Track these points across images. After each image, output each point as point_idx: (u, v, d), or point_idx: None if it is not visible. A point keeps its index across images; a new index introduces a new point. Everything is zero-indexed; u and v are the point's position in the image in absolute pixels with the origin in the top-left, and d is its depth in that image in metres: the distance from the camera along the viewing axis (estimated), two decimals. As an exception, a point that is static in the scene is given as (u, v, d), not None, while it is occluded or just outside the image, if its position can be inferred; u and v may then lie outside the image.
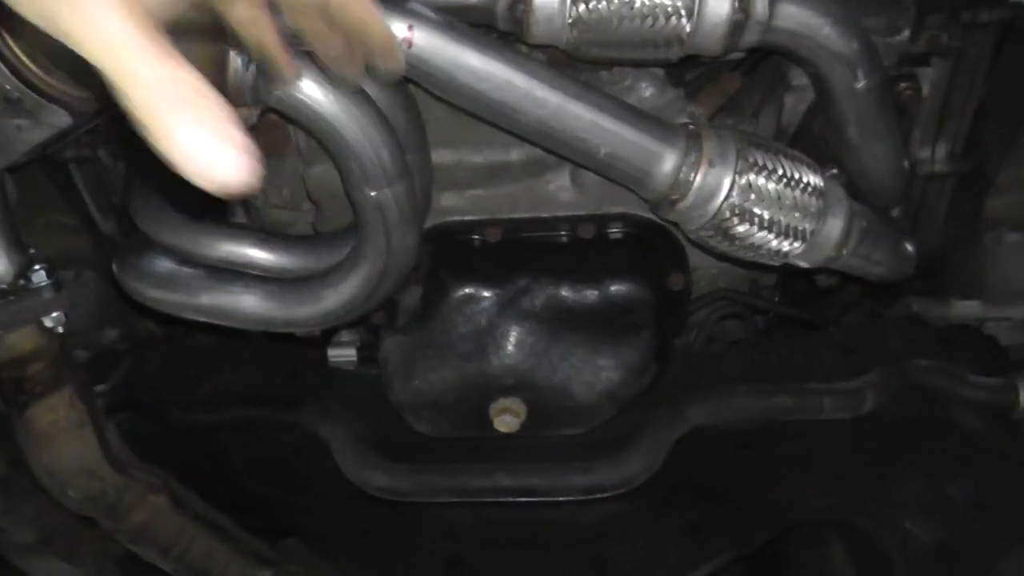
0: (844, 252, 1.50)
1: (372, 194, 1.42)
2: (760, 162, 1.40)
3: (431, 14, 1.30)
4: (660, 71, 1.63)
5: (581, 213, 1.69)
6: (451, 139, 1.63)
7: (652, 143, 1.38)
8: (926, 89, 1.75)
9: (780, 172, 1.41)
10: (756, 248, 1.45)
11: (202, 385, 1.94)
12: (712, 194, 1.39)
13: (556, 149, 1.40)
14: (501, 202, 1.70)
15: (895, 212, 1.87)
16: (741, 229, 1.41)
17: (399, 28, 1.28)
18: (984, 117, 1.84)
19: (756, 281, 1.93)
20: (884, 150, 1.56)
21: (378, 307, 1.64)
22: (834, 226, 1.47)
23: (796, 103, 1.74)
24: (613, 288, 1.66)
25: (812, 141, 1.72)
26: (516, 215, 1.70)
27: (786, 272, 1.77)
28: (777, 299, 2.00)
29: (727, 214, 1.40)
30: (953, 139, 1.82)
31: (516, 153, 1.65)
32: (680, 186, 1.39)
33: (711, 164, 1.38)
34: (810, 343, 1.94)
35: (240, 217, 1.93)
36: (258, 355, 1.96)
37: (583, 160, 1.41)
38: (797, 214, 1.42)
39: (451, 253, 1.69)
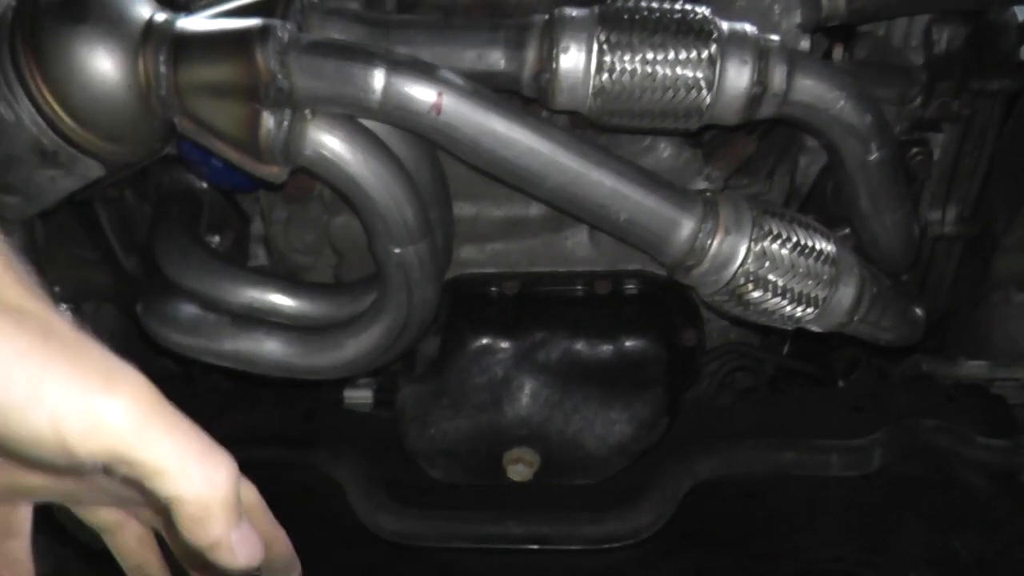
0: (855, 319, 1.54)
1: (396, 251, 1.45)
2: (775, 230, 1.44)
3: (460, 81, 1.34)
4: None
5: (597, 269, 1.72)
6: (472, 193, 1.66)
7: (670, 210, 1.42)
8: (937, 154, 1.79)
9: (794, 240, 1.44)
10: (769, 313, 1.48)
11: (217, 425, 1.94)
12: (727, 261, 1.43)
13: (577, 214, 1.44)
14: (519, 256, 1.73)
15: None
16: (755, 295, 1.45)
17: (429, 94, 1.32)
18: (992, 180, 1.88)
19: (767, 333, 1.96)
20: (895, 220, 1.60)
21: (398, 357, 1.67)
22: (846, 294, 1.50)
23: (809, 163, 1.78)
24: (627, 344, 1.69)
25: (825, 201, 1.76)
26: (534, 269, 1.73)
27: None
28: (787, 351, 2.03)
29: (742, 280, 1.44)
30: (962, 202, 1.87)
31: (535, 208, 1.69)
32: (696, 253, 1.43)
33: (727, 232, 1.42)
34: (818, 399, 1.97)
35: (262, 259, 1.97)
36: (274, 396, 1.99)
37: (602, 225, 1.44)
38: (810, 282, 1.46)
39: (469, 305, 1.72)
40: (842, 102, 1.43)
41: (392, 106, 1.32)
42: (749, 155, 1.67)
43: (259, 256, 1.97)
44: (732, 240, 1.42)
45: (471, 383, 1.70)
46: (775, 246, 1.43)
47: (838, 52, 1.66)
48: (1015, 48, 1.76)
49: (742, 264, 1.42)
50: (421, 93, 1.32)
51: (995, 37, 1.76)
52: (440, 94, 1.32)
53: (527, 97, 1.44)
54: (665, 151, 1.66)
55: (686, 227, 1.42)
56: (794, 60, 1.39)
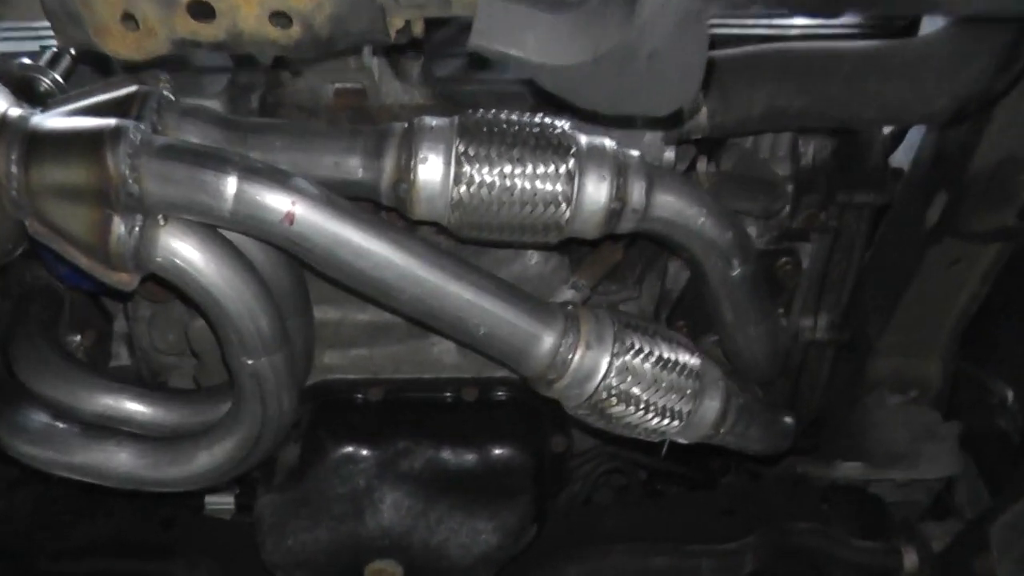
0: (721, 431, 1.53)
1: (249, 363, 1.41)
2: (637, 344, 1.42)
3: (314, 190, 1.30)
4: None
5: (465, 376, 1.69)
6: (336, 297, 1.62)
7: (530, 324, 1.39)
8: (805, 263, 1.80)
9: (657, 354, 1.43)
10: (633, 427, 1.46)
11: (74, 532, 1.88)
12: (589, 375, 1.40)
13: (435, 326, 1.41)
14: (384, 362, 1.70)
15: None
16: (618, 409, 1.43)
17: (282, 203, 1.28)
18: (864, 287, 1.90)
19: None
20: (759, 333, 1.60)
21: (254, 468, 1.61)
22: (710, 407, 1.49)
23: (679, 269, 1.78)
24: (494, 452, 1.66)
25: (694, 306, 1.76)
26: (399, 375, 1.70)
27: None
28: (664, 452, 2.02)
29: (604, 395, 1.41)
30: (833, 309, 1.88)
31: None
32: (558, 367, 1.41)
33: (588, 346, 1.40)
34: (691, 502, 1.96)
35: (124, 359, 1.91)
36: (134, 500, 1.91)
37: (462, 337, 1.42)
38: (674, 395, 1.44)
39: (331, 412, 1.67)
40: (702, 219, 1.43)
41: (244, 215, 1.28)
42: (616, 263, 1.66)
43: (121, 355, 1.91)
44: (593, 354, 1.40)
45: (332, 493, 1.64)
46: (637, 360, 1.42)
47: (702, 164, 1.66)
48: (880, 162, 1.79)
49: (604, 378, 1.40)
50: (274, 202, 1.28)
51: (861, 151, 1.79)
52: (293, 203, 1.28)
53: (386, 207, 1.41)
54: (532, 259, 1.65)
55: (547, 341, 1.40)
56: (653, 176, 1.39)
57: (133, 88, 1.37)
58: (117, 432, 1.58)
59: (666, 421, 1.46)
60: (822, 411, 2.00)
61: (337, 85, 1.53)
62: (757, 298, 1.56)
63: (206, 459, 1.54)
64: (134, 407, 1.60)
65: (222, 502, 1.87)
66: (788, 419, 1.73)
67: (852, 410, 2.02)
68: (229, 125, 1.38)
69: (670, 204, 1.41)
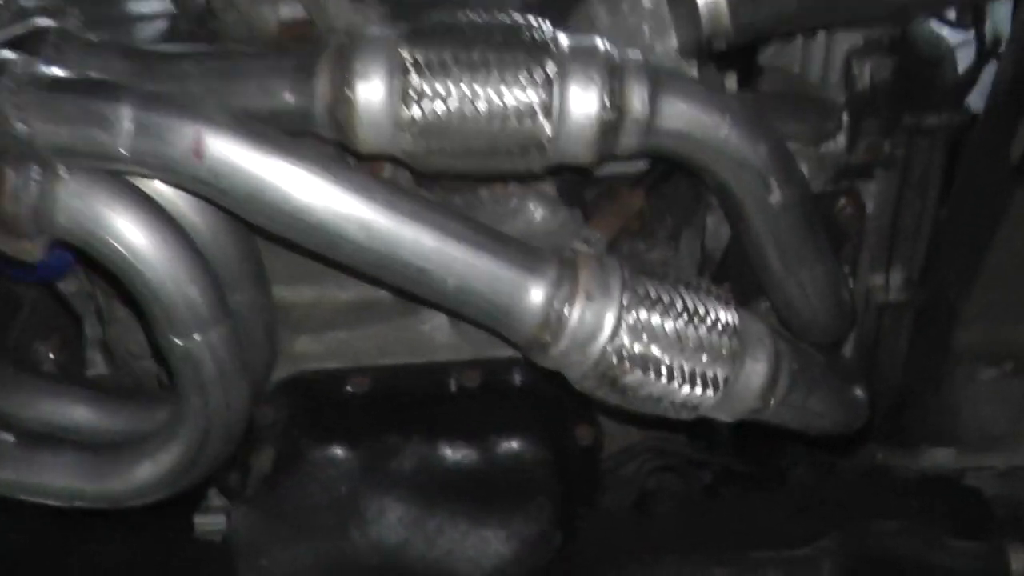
0: (772, 402, 1.23)
1: (178, 342, 1.17)
2: (653, 294, 1.14)
3: (226, 116, 1.06)
4: (551, 189, 1.39)
5: (463, 358, 1.44)
6: (311, 273, 1.38)
7: (513, 272, 1.12)
8: (871, 207, 1.51)
9: (680, 306, 1.15)
10: (656, 401, 1.18)
11: (49, 566, 1.67)
12: (593, 334, 1.12)
13: (395, 283, 1.15)
14: (367, 346, 1.45)
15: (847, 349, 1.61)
16: (634, 378, 1.14)
17: (186, 134, 1.03)
18: (943, 238, 1.60)
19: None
20: (813, 277, 1.30)
21: (220, 472, 1.37)
22: (755, 371, 1.20)
23: (718, 224, 1.50)
24: (503, 447, 1.40)
25: (740, 269, 1.47)
26: (387, 362, 1.46)
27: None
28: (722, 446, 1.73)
29: (614, 359, 1.13)
30: (908, 264, 1.59)
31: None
32: (552, 326, 1.13)
33: (589, 297, 1.12)
34: (756, 502, 1.67)
35: (100, 367, 1.69)
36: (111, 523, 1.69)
37: (430, 295, 1.15)
38: (704, 357, 1.16)
39: (308, 408, 1.44)
40: (726, 129, 1.15)
41: (144, 151, 1.04)
42: (636, 212, 1.39)
43: (97, 362, 1.69)
44: (597, 307, 1.12)
45: (312, 502, 1.39)
46: (655, 315, 1.13)
47: (731, 82, 1.37)
48: (951, 79, 1.49)
49: (613, 337, 1.12)
50: (177, 132, 1.03)
51: (927, 69, 1.50)
52: (200, 132, 1.03)
53: (332, 141, 1.15)
54: (537, 211, 1.39)
55: (535, 293, 1.12)
56: (659, 78, 1.12)
57: (33, 23, 1.17)
58: (56, 442, 1.36)
59: (698, 391, 1.17)
60: (904, 390, 1.68)
61: (281, 11, 1.29)
62: (809, 233, 1.26)
63: (150, 468, 1.30)
64: (78, 411, 1.40)
65: (212, 522, 1.63)
66: (859, 391, 1.42)
67: (939, 387, 1.70)
68: (136, 56, 1.16)
69: (683, 112, 1.13)
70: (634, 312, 1.13)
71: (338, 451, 1.40)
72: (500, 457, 1.40)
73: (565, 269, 1.14)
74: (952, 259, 1.63)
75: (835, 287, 1.34)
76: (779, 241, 1.25)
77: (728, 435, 1.71)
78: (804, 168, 1.47)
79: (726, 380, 1.17)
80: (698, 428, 1.64)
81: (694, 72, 1.29)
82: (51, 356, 1.68)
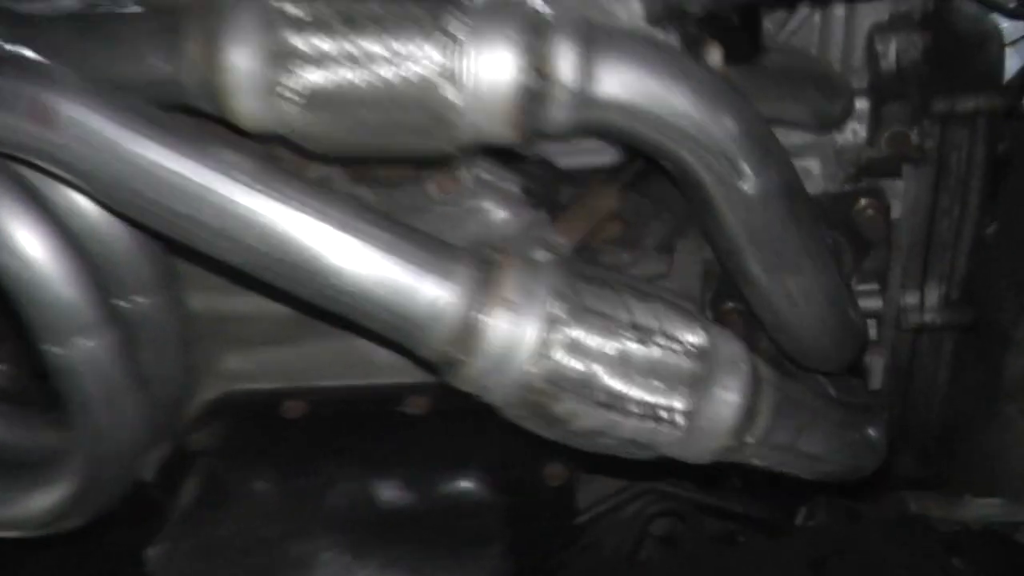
0: (748, 440, 1.02)
1: (55, 351, 1.01)
2: (593, 305, 0.94)
3: (78, 79, 0.89)
4: (514, 187, 1.20)
5: (410, 381, 1.25)
6: (247, 282, 1.20)
7: (413, 273, 0.93)
8: (898, 210, 1.28)
9: (626, 319, 0.95)
10: (598, 436, 0.98)
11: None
12: (512, 352, 0.93)
13: (269, 280, 0.95)
14: (305, 366, 1.31)
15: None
16: (565, 407, 0.95)
17: (31, 95, 0.88)
18: (994, 250, 1.37)
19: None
20: (804, 288, 1.07)
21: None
22: (725, 402, 0.99)
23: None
24: (450, 485, 1.22)
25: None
26: (325, 383, 1.30)
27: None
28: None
29: (541, 383, 0.93)
30: (947, 279, 1.36)
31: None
32: (464, 339, 0.93)
33: (509, 306, 0.93)
34: (767, 554, 1.43)
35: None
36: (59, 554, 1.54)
37: (314, 298, 0.95)
38: (658, 384, 0.95)
39: (238, 435, 1.30)
40: (683, 100, 0.94)
41: None
42: (610, 214, 1.19)
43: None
44: (516, 319, 0.92)
45: (235, 542, 1.23)
46: (593, 330, 0.94)
47: (714, 55, 1.15)
48: (995, 58, 1.27)
49: (538, 356, 0.92)
50: (20, 95, 0.88)
51: (965, 49, 1.27)
52: (44, 95, 0.87)
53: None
54: (495, 213, 1.20)
55: (443, 299, 0.93)
56: (594, 36, 0.92)
57: None
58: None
59: (649, 425, 0.96)
60: (944, 428, 1.44)
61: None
62: (795, 231, 1.03)
63: (43, 496, 1.14)
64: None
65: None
66: (874, 431, 1.19)
67: (987, 426, 1.46)
68: (5, 18, 1.00)
69: (627, 78, 0.92)
70: (567, 326, 0.93)
71: (267, 485, 1.26)
72: (448, 498, 1.23)
73: (482, 271, 0.94)
74: (1004, 276, 1.40)
75: (834, 300, 1.11)
76: (755, 239, 1.03)
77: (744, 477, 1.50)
78: (816, 164, 1.27)
79: (686, 413, 0.97)
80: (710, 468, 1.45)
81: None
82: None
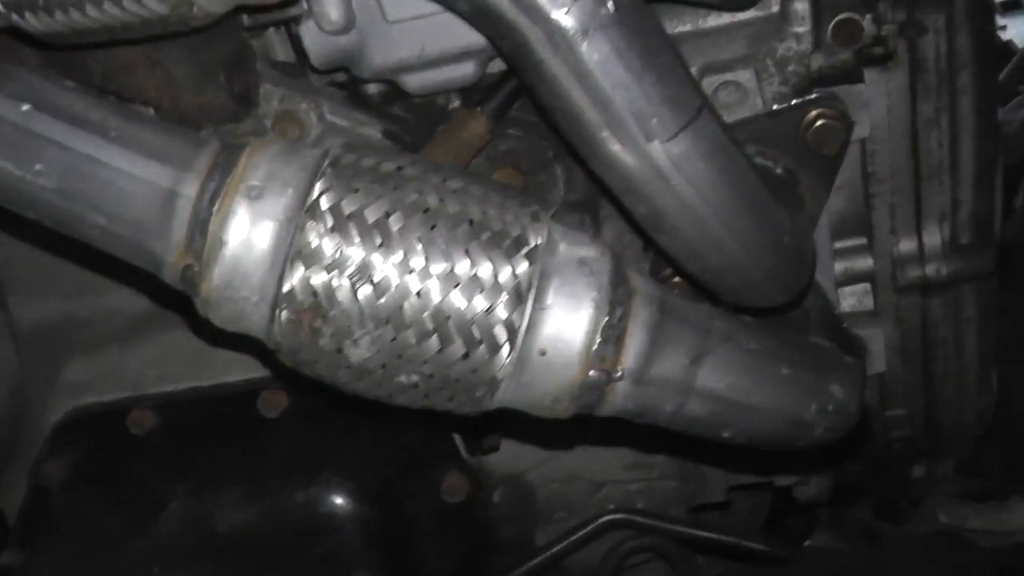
0: (619, 374, 0.75)
1: None
2: (359, 184, 0.71)
3: None
4: (375, 132, 1.00)
5: (264, 375, 1.06)
6: (85, 284, 1.09)
7: (139, 161, 0.72)
8: (866, 128, 1.01)
9: (419, 204, 0.71)
10: (394, 372, 0.73)
11: None
12: (250, 252, 0.70)
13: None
14: (152, 370, 1.14)
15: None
16: (335, 329, 0.71)
17: None
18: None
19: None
20: (721, 220, 0.81)
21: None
22: (567, 321, 0.73)
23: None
24: (308, 500, 0.98)
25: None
26: (171, 387, 1.12)
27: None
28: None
29: (300, 295, 0.70)
30: (950, 216, 1.07)
31: None
32: (196, 242, 0.71)
33: (252, 195, 0.70)
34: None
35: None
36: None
37: (26, 208, 0.75)
38: (467, 290, 0.71)
39: (81, 464, 1.12)
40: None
41: None
42: (481, 145, 0.96)
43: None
44: (263, 207, 0.70)
45: (67, 571, 1.07)
46: (371, 222, 0.71)
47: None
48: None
49: (295, 257, 0.70)
50: None
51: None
52: None
53: None
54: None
55: (171, 192, 0.71)
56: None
57: None
58: None
59: (457, 347, 0.71)
60: (977, 415, 1.12)
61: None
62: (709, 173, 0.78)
63: None
64: None
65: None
66: (839, 387, 0.88)
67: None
68: None
69: None
70: (333, 216, 0.70)
71: (98, 507, 1.09)
72: (305, 516, 0.99)
73: (225, 157, 0.73)
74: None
75: (756, 216, 0.83)
76: (587, 84, 0.76)
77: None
78: (750, 78, 1.01)
79: (510, 328, 0.72)
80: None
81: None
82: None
